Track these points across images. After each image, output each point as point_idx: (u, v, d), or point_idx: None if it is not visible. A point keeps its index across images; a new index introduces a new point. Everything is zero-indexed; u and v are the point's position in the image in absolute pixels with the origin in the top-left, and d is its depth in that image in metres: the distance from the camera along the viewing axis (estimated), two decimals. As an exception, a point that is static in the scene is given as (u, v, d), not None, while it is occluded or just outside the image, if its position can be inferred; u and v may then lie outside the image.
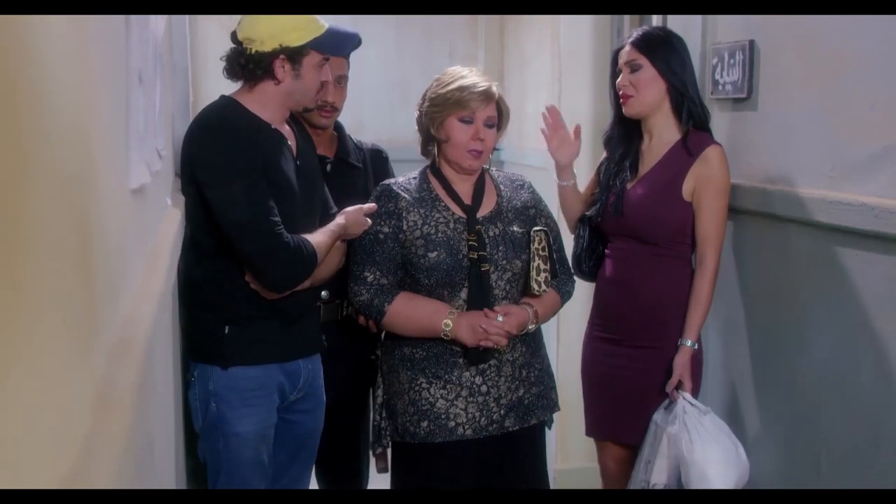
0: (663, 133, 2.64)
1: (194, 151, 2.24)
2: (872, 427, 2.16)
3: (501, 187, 2.53)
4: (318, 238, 2.30)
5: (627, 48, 2.64)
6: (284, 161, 2.31)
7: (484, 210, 2.45)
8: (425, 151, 2.50)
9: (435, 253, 2.36)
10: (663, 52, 2.60)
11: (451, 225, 2.40)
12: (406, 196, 2.42)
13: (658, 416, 2.55)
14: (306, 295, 2.37)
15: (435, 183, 2.46)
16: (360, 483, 2.94)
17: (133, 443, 0.87)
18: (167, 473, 1.72)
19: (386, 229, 2.40)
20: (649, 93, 2.60)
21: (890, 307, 2.09)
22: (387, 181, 2.51)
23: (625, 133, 2.71)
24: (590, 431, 2.80)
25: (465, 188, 2.47)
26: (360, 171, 2.76)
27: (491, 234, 2.42)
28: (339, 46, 2.40)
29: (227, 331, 2.30)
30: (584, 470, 3.74)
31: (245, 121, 2.28)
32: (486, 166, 2.53)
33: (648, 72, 2.60)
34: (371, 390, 2.83)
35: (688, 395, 2.51)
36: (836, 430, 2.31)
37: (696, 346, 2.56)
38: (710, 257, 2.56)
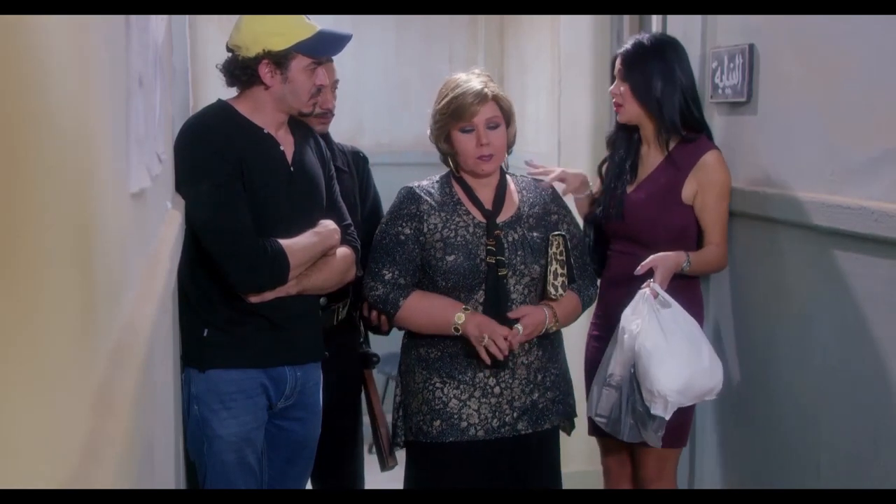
0: (658, 139, 2.66)
1: (175, 152, 2.25)
2: (872, 429, 2.16)
3: (524, 192, 2.54)
4: (293, 239, 2.27)
5: (619, 57, 2.67)
6: (270, 166, 2.31)
7: (504, 215, 2.47)
8: (445, 162, 2.53)
9: (453, 256, 2.39)
10: (642, 74, 2.61)
11: (471, 229, 2.43)
12: (428, 199, 2.45)
13: (627, 309, 2.50)
14: (296, 302, 2.34)
15: (457, 188, 2.49)
16: (357, 486, 2.94)
17: (133, 443, 0.88)
18: (167, 473, 1.72)
19: (407, 231, 2.43)
20: (634, 107, 2.64)
21: (889, 310, 2.10)
22: (410, 184, 2.53)
23: (627, 135, 2.73)
24: (592, 430, 2.80)
25: (486, 193, 2.49)
26: (347, 174, 2.77)
27: (510, 238, 2.43)
28: (325, 49, 2.35)
29: (205, 333, 2.31)
30: (585, 473, 3.73)
31: (228, 123, 2.29)
32: (505, 169, 2.56)
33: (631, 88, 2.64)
34: (364, 393, 2.85)
35: (655, 286, 2.45)
36: (835, 431, 2.31)
37: (688, 266, 2.54)
38: (717, 253, 2.63)
